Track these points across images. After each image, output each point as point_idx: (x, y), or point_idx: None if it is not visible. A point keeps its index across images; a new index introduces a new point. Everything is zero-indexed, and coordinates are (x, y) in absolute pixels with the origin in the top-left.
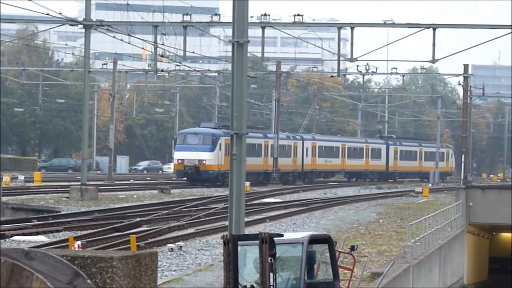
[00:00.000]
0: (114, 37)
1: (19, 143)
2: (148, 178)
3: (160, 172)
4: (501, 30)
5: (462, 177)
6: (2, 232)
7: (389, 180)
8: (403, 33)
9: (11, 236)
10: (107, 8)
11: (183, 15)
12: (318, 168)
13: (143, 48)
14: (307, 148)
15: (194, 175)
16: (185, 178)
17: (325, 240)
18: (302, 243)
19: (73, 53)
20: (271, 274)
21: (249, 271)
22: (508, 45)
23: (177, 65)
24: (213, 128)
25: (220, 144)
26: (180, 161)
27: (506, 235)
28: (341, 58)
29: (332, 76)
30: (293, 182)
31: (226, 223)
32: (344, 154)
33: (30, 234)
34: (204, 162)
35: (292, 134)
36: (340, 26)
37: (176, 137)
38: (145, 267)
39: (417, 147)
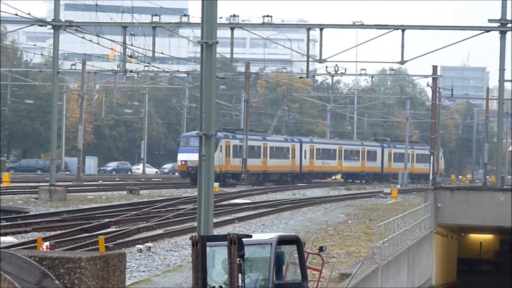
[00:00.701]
0: (83, 37)
1: None
2: (117, 179)
3: (129, 173)
4: (470, 32)
5: (430, 178)
6: None
7: (384, 181)
8: (372, 34)
9: None
10: (76, 9)
11: (152, 15)
12: (316, 170)
13: (111, 49)
14: (305, 151)
15: (196, 175)
16: (188, 178)
17: (294, 241)
18: (271, 244)
19: (42, 54)
20: (240, 275)
21: (217, 272)
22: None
23: (146, 66)
24: (216, 131)
25: (221, 146)
26: (183, 162)
27: (474, 236)
28: (310, 59)
29: (301, 77)
30: (291, 182)
31: (195, 224)
32: (341, 156)
33: None
34: None
35: (290, 137)
36: (309, 27)
37: (179, 140)
38: (114, 268)
39: (409, 150)
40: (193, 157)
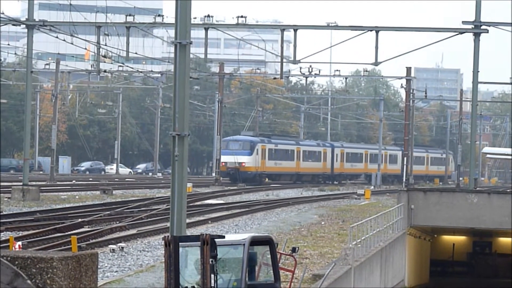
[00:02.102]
0: (57, 37)
1: None
2: (90, 179)
3: (103, 173)
4: (444, 33)
5: (404, 180)
6: None
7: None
8: (346, 36)
9: None
10: (50, 8)
11: (126, 15)
12: (346, 172)
13: (86, 49)
14: (337, 154)
15: (235, 175)
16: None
17: (267, 241)
18: (244, 244)
19: (15, 53)
20: (212, 276)
21: (190, 272)
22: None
23: (120, 66)
24: (252, 136)
25: (257, 150)
26: (223, 163)
27: (447, 238)
28: (284, 60)
29: (275, 78)
30: (323, 183)
31: (168, 224)
32: (367, 159)
33: None
34: (244, 164)
35: (322, 142)
36: (283, 28)
37: (221, 143)
38: (86, 268)
39: (424, 153)
40: (232, 159)
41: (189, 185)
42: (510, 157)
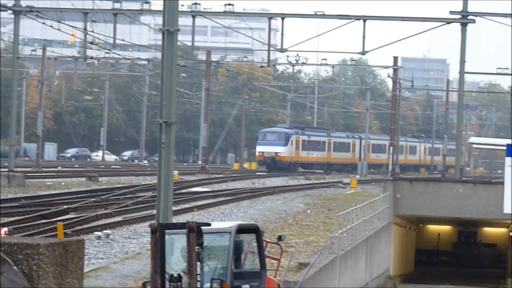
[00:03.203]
0: (44, 23)
1: None
2: (76, 166)
3: (88, 159)
4: (431, 23)
5: (390, 169)
6: None
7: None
8: (333, 25)
9: None
10: None
11: (114, 2)
12: (371, 162)
13: (72, 35)
14: (364, 146)
15: (272, 164)
16: (265, 166)
17: (253, 230)
18: (230, 232)
19: (2, 39)
20: (198, 263)
21: (176, 260)
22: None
23: (107, 53)
24: (287, 128)
25: (292, 141)
26: (261, 153)
27: (432, 227)
28: (271, 49)
29: (262, 66)
30: (352, 172)
31: (154, 211)
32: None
33: None
34: (279, 154)
35: (351, 134)
36: (270, 17)
37: (258, 134)
38: (72, 255)
39: (422, 143)
40: (269, 149)
41: (175, 172)
42: (495, 147)
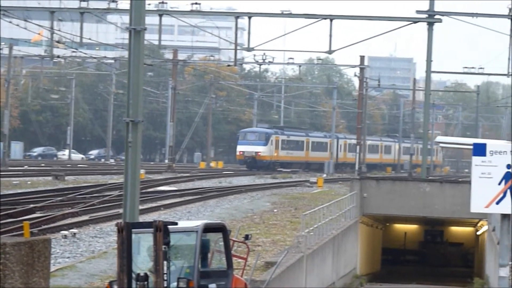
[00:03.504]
0: (10, 22)
1: None
2: (43, 165)
3: (55, 158)
4: (398, 23)
5: (356, 168)
6: None
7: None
8: (300, 24)
9: None
10: None
11: (80, 1)
12: (348, 161)
13: (38, 34)
14: (340, 145)
15: (252, 163)
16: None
17: (220, 228)
18: (196, 231)
19: None
20: (165, 262)
21: (143, 259)
22: (404, 37)
23: (74, 52)
24: (267, 128)
25: (272, 140)
26: (241, 152)
27: (399, 226)
28: (238, 47)
29: (229, 65)
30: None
31: (121, 210)
32: (366, 150)
33: None
34: (260, 153)
35: (328, 134)
36: (237, 16)
37: (239, 135)
38: (38, 254)
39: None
40: (249, 148)
41: (142, 171)
42: (462, 146)
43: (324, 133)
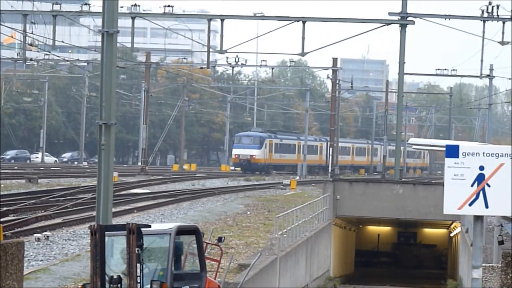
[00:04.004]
0: None
1: None
2: (16, 168)
3: (28, 161)
4: (370, 24)
5: (329, 170)
6: None
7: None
8: (273, 26)
9: None
10: None
11: (53, 4)
12: (339, 164)
13: (11, 36)
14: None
15: (247, 166)
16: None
17: (193, 231)
18: (170, 234)
19: None
20: (138, 265)
21: (116, 262)
22: (377, 39)
23: (46, 54)
24: (261, 132)
25: (266, 144)
26: (236, 155)
27: (372, 228)
28: (210, 50)
29: (201, 68)
30: (319, 173)
31: (94, 213)
32: (354, 152)
33: None
34: (254, 156)
35: (318, 137)
36: (210, 18)
37: (234, 138)
38: (12, 257)
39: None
40: (244, 152)
41: (115, 174)
42: (435, 148)
43: (315, 136)
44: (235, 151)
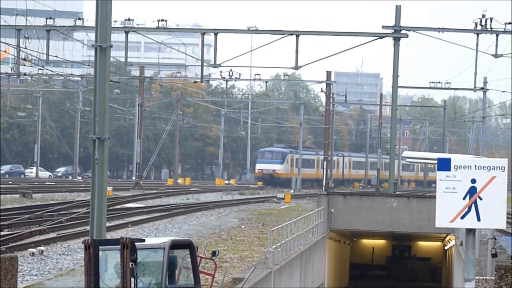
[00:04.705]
0: None
1: None
2: (10, 182)
3: (22, 176)
4: (364, 38)
5: (324, 183)
6: None
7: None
8: (266, 40)
9: None
10: None
11: (47, 19)
12: (352, 177)
13: (5, 51)
14: (346, 163)
15: (270, 180)
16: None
17: (187, 245)
18: (164, 248)
19: None
20: (132, 279)
21: (110, 276)
22: (371, 52)
23: (40, 69)
24: (283, 148)
25: (288, 159)
26: (260, 170)
27: (366, 242)
28: (204, 64)
29: (195, 82)
30: (337, 187)
31: (88, 227)
32: (368, 167)
33: None
34: (277, 171)
35: (335, 152)
36: (203, 32)
37: (257, 153)
38: (5, 272)
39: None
40: (267, 166)
41: (109, 188)
42: (427, 161)
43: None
44: (259, 166)
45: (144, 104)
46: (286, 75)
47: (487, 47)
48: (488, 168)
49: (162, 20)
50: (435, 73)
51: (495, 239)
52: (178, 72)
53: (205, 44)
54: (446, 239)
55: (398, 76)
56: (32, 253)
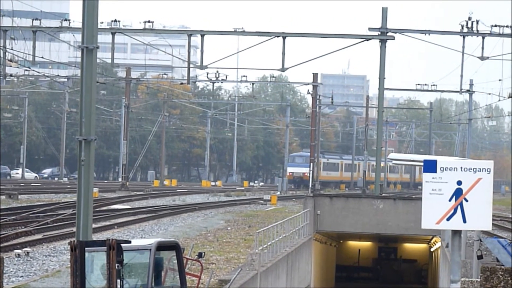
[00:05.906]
0: None
1: None
2: None
3: (8, 177)
4: (351, 40)
5: (310, 185)
6: None
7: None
8: (253, 41)
9: None
10: None
11: (33, 19)
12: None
13: None
14: (369, 166)
15: (299, 182)
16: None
17: (173, 247)
18: (150, 249)
19: None
20: (119, 281)
21: (96, 277)
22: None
23: (26, 70)
24: None
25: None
26: (291, 173)
27: (352, 244)
28: (191, 65)
29: (182, 83)
30: (360, 189)
31: (74, 229)
32: (387, 170)
33: None
34: (306, 174)
35: (357, 156)
36: (190, 33)
37: (288, 158)
38: None
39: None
40: (297, 170)
41: (95, 190)
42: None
43: (355, 156)
44: (290, 169)
45: (130, 105)
46: (273, 76)
47: (473, 50)
48: (474, 170)
49: (149, 21)
50: (421, 75)
51: (481, 241)
52: (165, 74)
53: (191, 45)
54: (432, 241)
55: (384, 78)
56: (18, 254)
